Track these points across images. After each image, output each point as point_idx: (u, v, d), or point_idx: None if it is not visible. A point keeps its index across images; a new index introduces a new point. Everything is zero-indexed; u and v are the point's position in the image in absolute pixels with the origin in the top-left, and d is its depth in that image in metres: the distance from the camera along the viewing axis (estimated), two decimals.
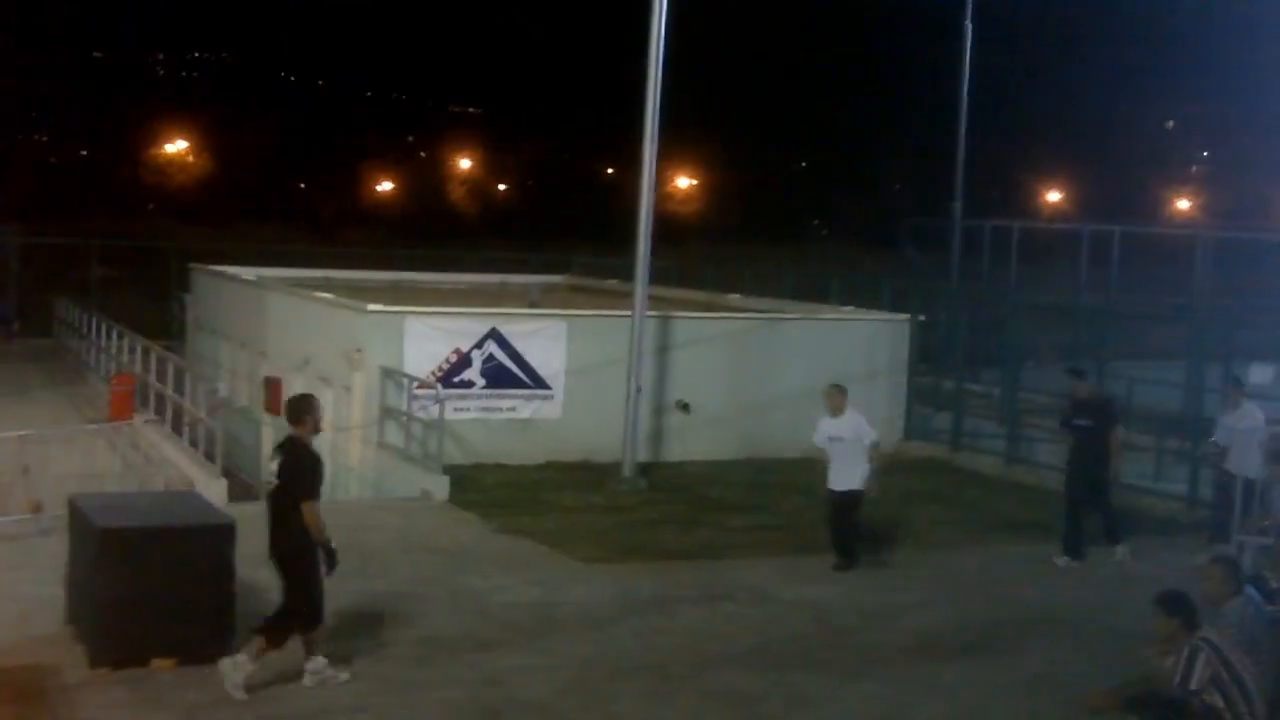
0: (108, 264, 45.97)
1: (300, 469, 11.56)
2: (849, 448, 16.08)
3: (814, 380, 24.03)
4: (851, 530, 16.39)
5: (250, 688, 11.32)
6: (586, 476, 21.40)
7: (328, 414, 23.04)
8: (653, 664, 12.72)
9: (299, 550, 11.48)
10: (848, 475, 16.10)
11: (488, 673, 12.22)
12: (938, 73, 44.39)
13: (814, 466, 16.77)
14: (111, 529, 12.14)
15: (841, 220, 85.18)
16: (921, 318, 26.01)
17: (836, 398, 16.41)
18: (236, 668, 11.34)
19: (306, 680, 11.59)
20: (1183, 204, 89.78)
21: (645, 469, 21.73)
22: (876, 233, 60.01)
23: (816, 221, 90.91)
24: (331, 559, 11.57)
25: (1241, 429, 17.32)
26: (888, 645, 13.57)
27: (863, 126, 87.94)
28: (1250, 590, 10.16)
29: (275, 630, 11.57)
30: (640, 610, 14.43)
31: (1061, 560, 16.94)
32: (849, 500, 16.21)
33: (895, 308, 27.08)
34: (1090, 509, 17.31)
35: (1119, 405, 17.81)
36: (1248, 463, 16.93)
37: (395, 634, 13.26)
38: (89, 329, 32.91)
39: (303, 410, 11.80)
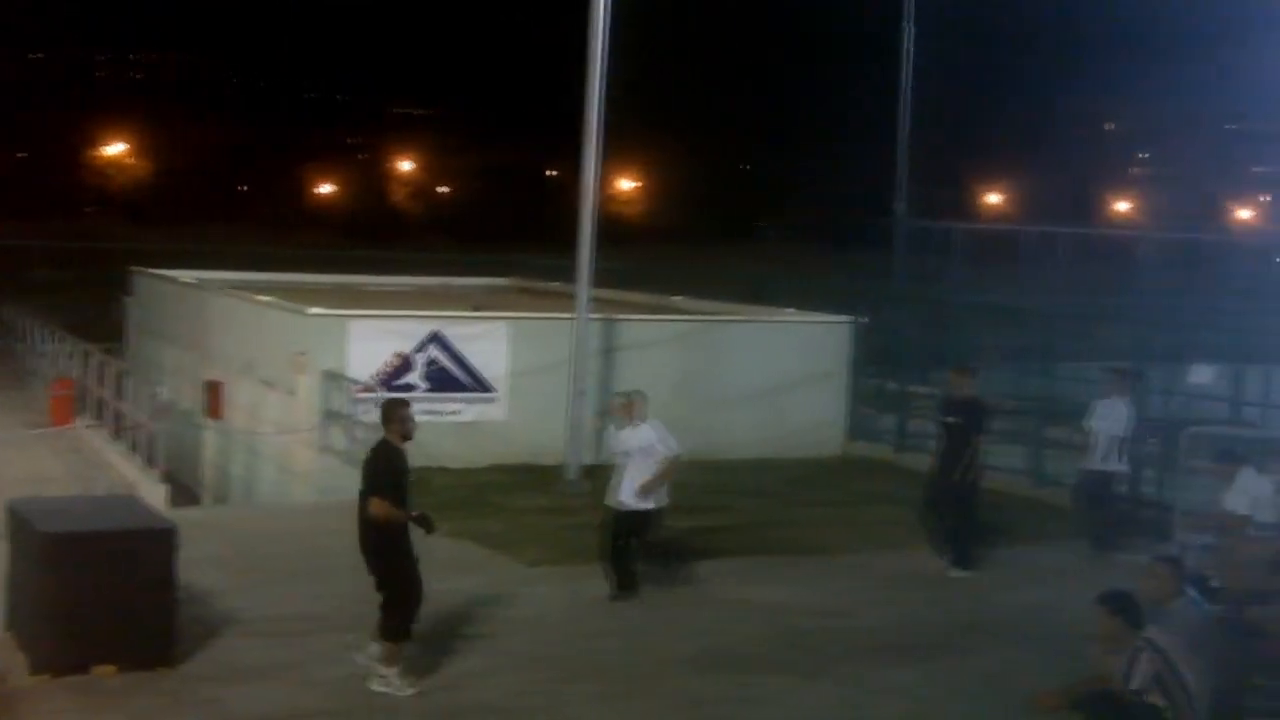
0: (49, 266, 45.63)
1: (376, 469, 11.74)
2: (637, 463, 14.53)
3: (760, 382, 24.25)
4: (632, 555, 14.89)
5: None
6: (532, 479, 21.34)
7: (271, 416, 23.02)
8: (605, 666, 12.72)
9: (380, 547, 11.68)
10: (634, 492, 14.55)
11: (440, 677, 12.17)
12: (881, 75, 44.57)
13: (764, 468, 16.75)
14: (52, 534, 12.01)
15: (786, 222, 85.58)
16: (866, 319, 26.09)
17: (625, 407, 14.87)
18: (387, 682, 11.56)
19: (360, 659, 11.77)
20: (1122, 205, 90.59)
21: (590, 471, 21.68)
22: (821, 234, 60.30)
23: (762, 223, 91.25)
24: (426, 524, 11.81)
25: (1105, 421, 17.42)
26: (840, 646, 13.59)
27: (806, 128, 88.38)
28: (1192, 590, 10.24)
29: (389, 628, 11.71)
30: (589, 613, 14.41)
31: (956, 573, 16.25)
32: (635, 521, 14.70)
33: (840, 309, 27.16)
34: (947, 512, 16.49)
35: (988, 408, 17.13)
36: (1110, 458, 17.23)
37: (342, 638, 13.15)
38: (30, 332, 32.59)
39: (388, 415, 11.99)
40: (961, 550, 16.43)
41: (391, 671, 11.66)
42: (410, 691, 11.55)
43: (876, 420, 25.14)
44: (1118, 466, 17.68)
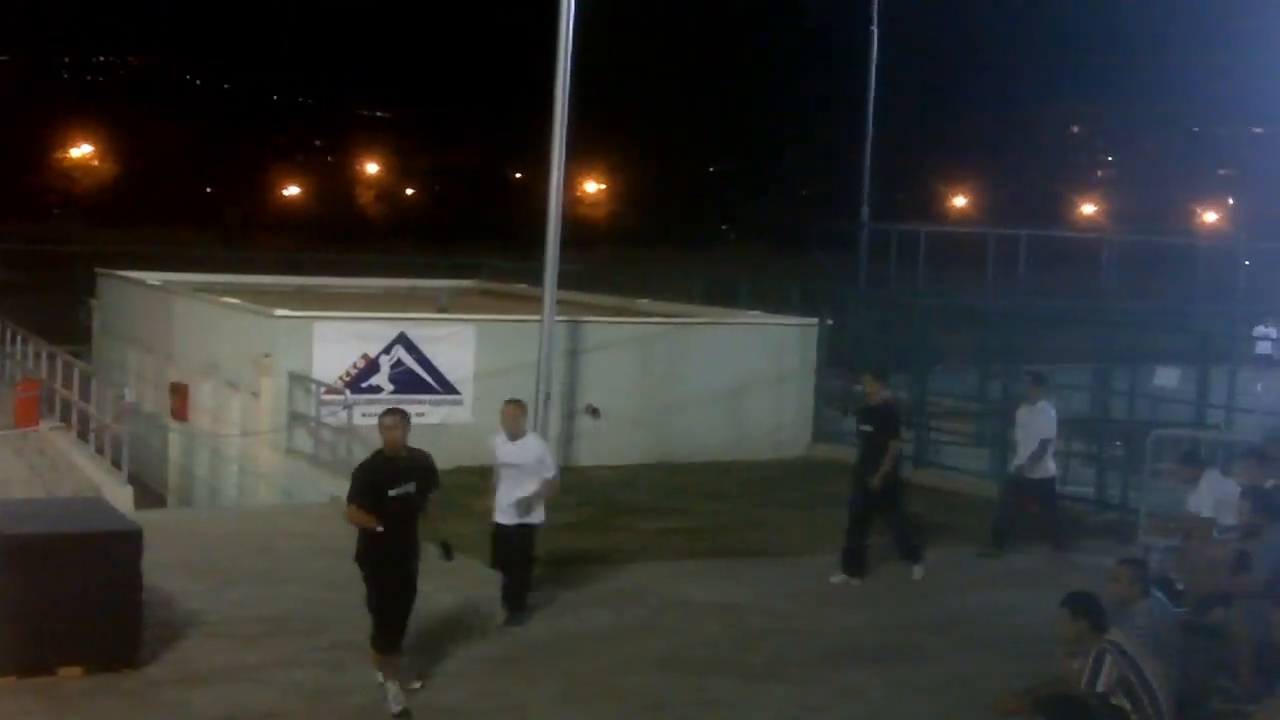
0: (13, 268, 45.33)
1: (352, 476, 11.78)
2: (526, 475, 13.81)
3: (724, 384, 24.31)
4: (527, 575, 14.25)
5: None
6: None
7: (236, 418, 22.97)
8: (565, 668, 12.72)
9: (358, 554, 11.61)
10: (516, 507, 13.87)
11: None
12: (845, 77, 44.78)
13: (728, 470, 16.77)
14: (15, 535, 11.96)
15: (750, 224, 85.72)
16: (830, 321, 26.19)
17: (516, 416, 13.97)
18: (390, 696, 11.37)
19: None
20: (1088, 208, 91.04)
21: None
22: (785, 236, 60.44)
23: (725, 225, 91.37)
24: (445, 550, 11.86)
25: (1029, 426, 17.37)
26: (799, 648, 13.61)
27: (770, 131, 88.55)
28: (1156, 593, 10.31)
29: (372, 637, 11.63)
30: (552, 614, 14.41)
31: (838, 578, 15.94)
32: (524, 537, 14.03)
33: (804, 311, 27.25)
34: (879, 521, 16.29)
35: (901, 413, 17.06)
36: (1032, 462, 17.15)
37: (307, 640, 13.17)
38: None
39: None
40: (911, 549, 16.42)
41: (384, 681, 11.51)
42: (397, 709, 11.29)
43: (840, 422, 25.22)
44: (1053, 471, 17.57)
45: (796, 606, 15.14)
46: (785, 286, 31.36)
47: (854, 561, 16.07)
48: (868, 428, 16.13)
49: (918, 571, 16.31)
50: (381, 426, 11.72)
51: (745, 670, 12.85)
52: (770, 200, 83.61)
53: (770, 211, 79.88)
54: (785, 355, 25.30)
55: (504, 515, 13.89)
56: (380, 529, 11.33)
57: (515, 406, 14.04)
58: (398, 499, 11.40)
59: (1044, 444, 17.22)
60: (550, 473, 13.92)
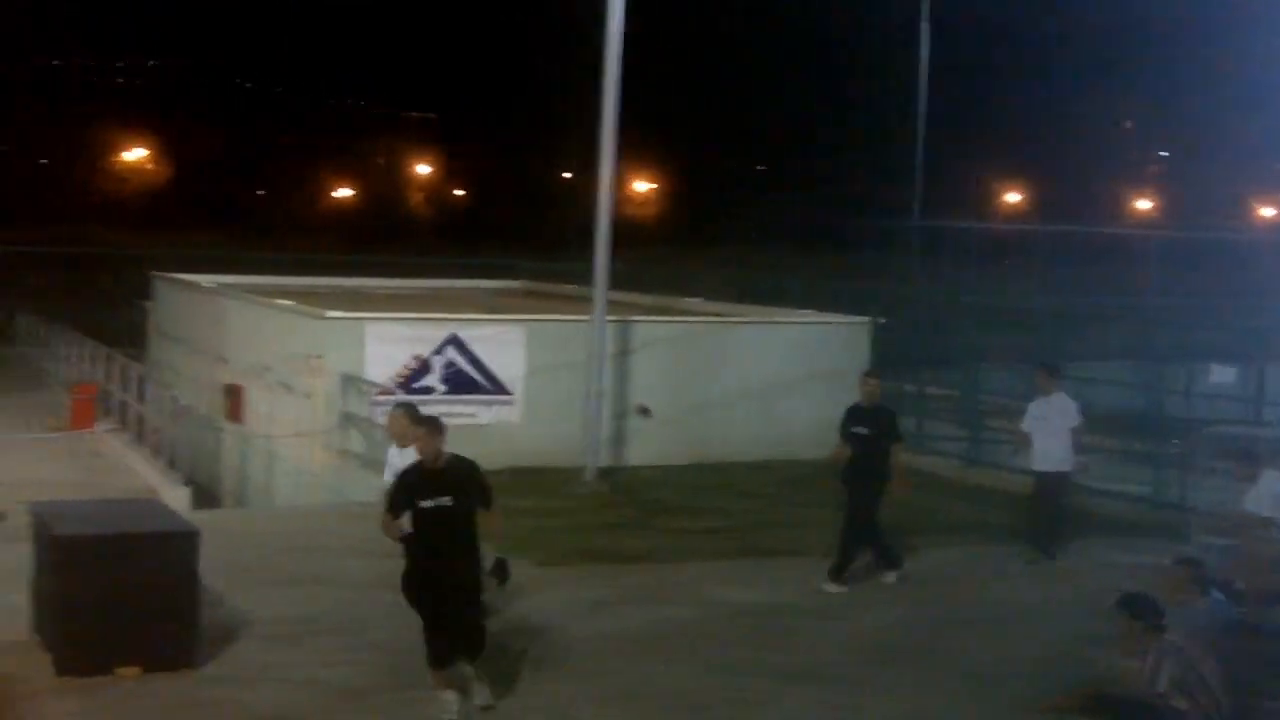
0: (68, 271, 45.81)
1: (392, 484, 11.54)
2: None
3: (772, 383, 24.23)
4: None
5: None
6: (546, 481, 21.33)
7: (289, 420, 23.08)
8: (601, 668, 12.73)
9: (406, 567, 11.38)
10: None
11: None
12: (896, 75, 44.59)
13: (771, 468, 16.60)
14: (73, 536, 12.09)
15: (800, 222, 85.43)
16: (881, 320, 26.06)
17: (401, 424, 12.68)
18: (444, 707, 11.16)
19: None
20: (1143, 204, 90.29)
21: (605, 473, 21.72)
22: (836, 235, 60.21)
23: (774, 224, 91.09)
24: (499, 570, 11.51)
25: (1045, 418, 16.85)
26: (836, 647, 13.59)
27: (821, 129, 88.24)
28: (1215, 593, 10.23)
29: (428, 655, 11.33)
30: (590, 613, 14.43)
31: (833, 587, 15.46)
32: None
33: (855, 310, 27.13)
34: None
35: (899, 416, 16.30)
36: (1051, 454, 16.74)
37: (350, 640, 13.23)
38: (49, 337, 32.70)
39: None
40: (890, 553, 15.97)
41: (439, 691, 11.32)
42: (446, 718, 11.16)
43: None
44: (1071, 464, 16.98)
45: (836, 604, 15.07)
46: (834, 286, 31.26)
47: (844, 569, 15.54)
48: (863, 430, 15.52)
49: (891, 577, 15.82)
50: (412, 437, 11.48)
51: (784, 670, 12.81)
52: (821, 199, 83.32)
53: (821, 210, 79.58)
54: (835, 354, 25.16)
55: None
56: (405, 538, 11.13)
57: (402, 413, 12.66)
58: (431, 511, 11.01)
59: (1074, 434, 16.80)
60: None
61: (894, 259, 36.59)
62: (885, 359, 25.77)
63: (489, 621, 12.07)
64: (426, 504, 11.02)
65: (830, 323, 26.36)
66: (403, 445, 12.54)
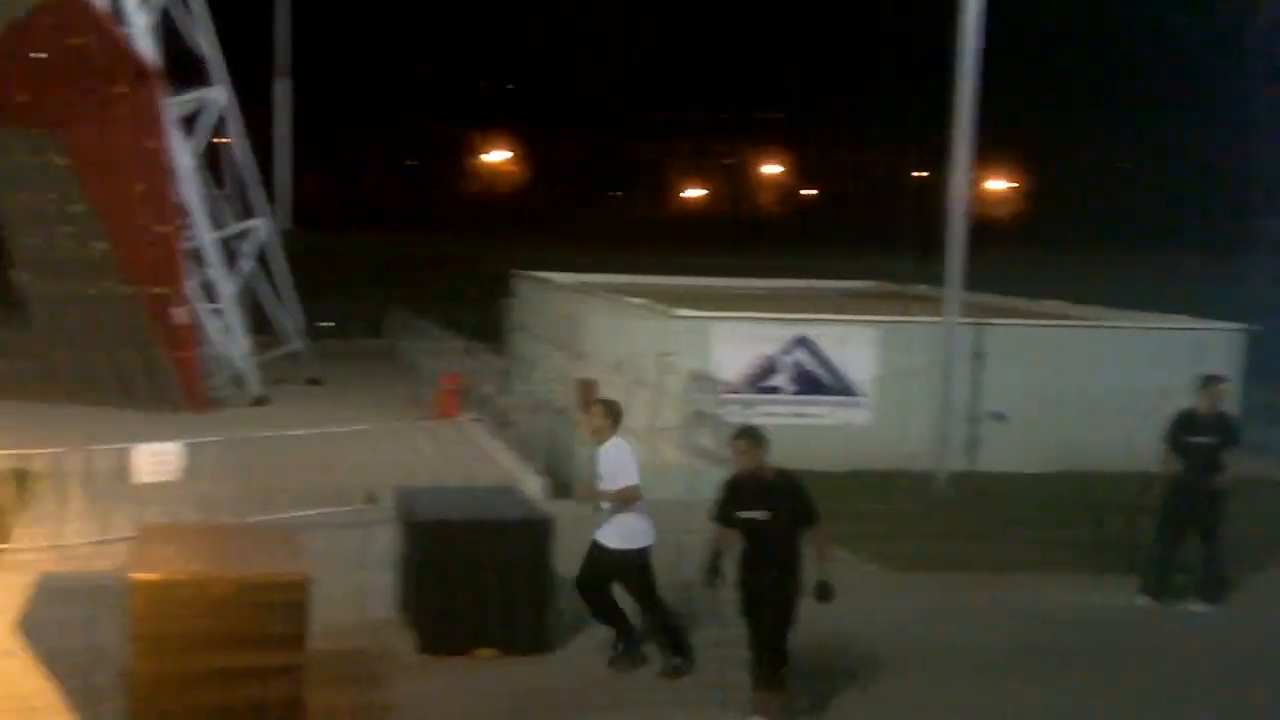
0: (433, 270, 47.69)
1: None
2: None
3: (1135, 391, 23.35)
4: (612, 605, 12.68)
5: None
6: (896, 485, 21.20)
7: (640, 415, 23.50)
8: (948, 682, 12.62)
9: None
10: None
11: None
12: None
13: (1130, 479, 16.03)
14: (438, 521, 12.65)
15: (1171, 223, 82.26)
16: (1260, 327, 24.78)
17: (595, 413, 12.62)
18: None
19: None
20: None
21: (957, 479, 21.43)
22: (1216, 236, 57.81)
23: (1141, 225, 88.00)
24: (823, 592, 11.01)
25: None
26: (1215, 667, 13.17)
27: (1208, 122, 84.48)
28: None
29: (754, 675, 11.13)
30: (935, 622, 14.37)
31: (1200, 607, 15.04)
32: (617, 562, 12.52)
33: (1233, 317, 25.81)
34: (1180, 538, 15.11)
35: (1238, 424, 15.37)
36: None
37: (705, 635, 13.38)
38: (419, 331, 34.09)
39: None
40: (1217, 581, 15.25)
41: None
42: None
43: (1264, 433, 23.89)
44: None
45: (1198, 625, 14.62)
46: (1215, 290, 29.94)
47: (1163, 581, 15.16)
48: (1204, 439, 14.94)
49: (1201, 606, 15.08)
50: (732, 450, 11.22)
51: (1114, 685, 12.52)
52: (1195, 196, 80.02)
53: (1198, 209, 76.42)
54: (1204, 363, 24.11)
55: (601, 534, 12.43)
56: (719, 552, 11.05)
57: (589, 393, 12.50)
58: (746, 522, 10.91)
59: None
60: (631, 480, 12.24)
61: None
62: (1260, 368, 24.59)
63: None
64: (743, 515, 10.94)
65: (1199, 329, 25.30)
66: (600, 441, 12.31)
